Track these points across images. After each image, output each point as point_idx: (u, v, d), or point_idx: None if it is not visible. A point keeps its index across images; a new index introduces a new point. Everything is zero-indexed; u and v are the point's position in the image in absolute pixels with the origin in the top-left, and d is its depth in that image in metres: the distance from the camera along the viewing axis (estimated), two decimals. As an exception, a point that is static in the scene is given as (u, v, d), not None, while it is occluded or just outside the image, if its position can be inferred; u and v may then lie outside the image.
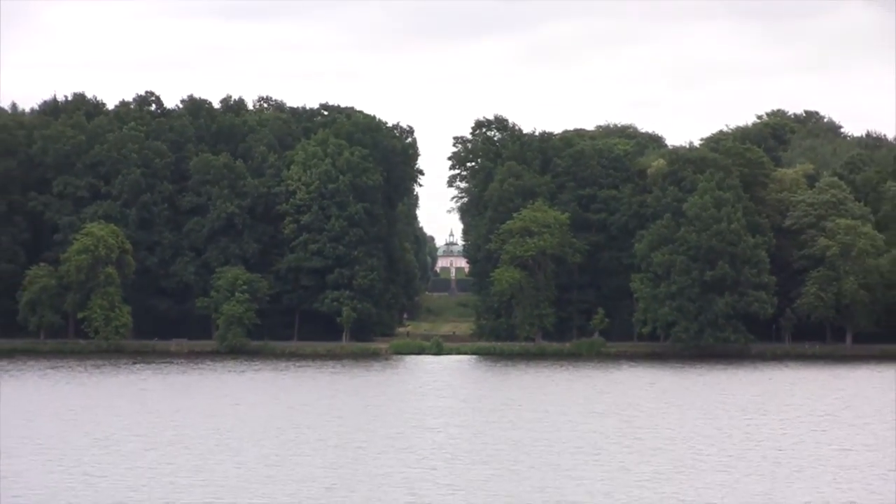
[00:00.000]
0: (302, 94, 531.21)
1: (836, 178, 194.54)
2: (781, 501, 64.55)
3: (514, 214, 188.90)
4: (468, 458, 78.78)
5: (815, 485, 69.50)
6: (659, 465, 75.52)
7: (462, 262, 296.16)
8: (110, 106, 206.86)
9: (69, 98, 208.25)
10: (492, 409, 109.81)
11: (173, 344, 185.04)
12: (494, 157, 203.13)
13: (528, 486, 68.09)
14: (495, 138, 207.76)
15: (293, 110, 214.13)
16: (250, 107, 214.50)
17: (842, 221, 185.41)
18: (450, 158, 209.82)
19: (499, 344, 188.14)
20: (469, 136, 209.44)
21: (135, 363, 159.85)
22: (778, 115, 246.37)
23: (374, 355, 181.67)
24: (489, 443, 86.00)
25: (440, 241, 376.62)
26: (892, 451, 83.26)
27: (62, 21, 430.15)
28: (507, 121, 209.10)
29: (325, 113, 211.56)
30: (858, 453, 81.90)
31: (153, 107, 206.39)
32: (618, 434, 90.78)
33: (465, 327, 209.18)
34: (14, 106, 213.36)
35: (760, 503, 64.07)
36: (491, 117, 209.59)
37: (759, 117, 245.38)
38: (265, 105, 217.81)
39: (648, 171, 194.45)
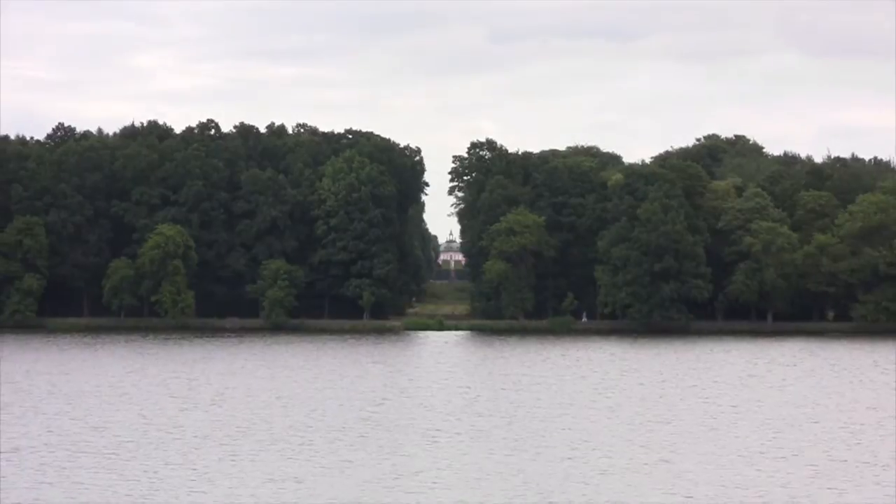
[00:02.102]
0: (331, 121, 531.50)
1: (759, 189, 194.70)
2: (722, 445, 65.40)
3: (501, 218, 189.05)
4: (470, 412, 79.52)
5: (747, 432, 70.36)
6: (622, 419, 76.33)
7: (459, 256, 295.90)
8: (177, 130, 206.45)
9: (144, 124, 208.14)
10: (486, 373, 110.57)
11: (228, 322, 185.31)
12: (485, 172, 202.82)
13: (521, 433, 68.84)
14: (486, 157, 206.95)
15: (324, 134, 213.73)
16: (290, 131, 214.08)
17: (764, 224, 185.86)
18: (450, 173, 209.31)
19: (489, 322, 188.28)
20: (465, 155, 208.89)
21: (196, 337, 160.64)
22: (713, 138, 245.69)
23: (390, 331, 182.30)
24: (486, 400, 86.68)
25: (442, 239, 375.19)
26: (808, 404, 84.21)
27: (140, 63, 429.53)
28: (495, 143, 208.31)
29: (350, 136, 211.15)
30: (781, 407, 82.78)
31: (212, 132, 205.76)
32: (589, 393, 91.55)
33: (462, 308, 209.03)
34: (100, 130, 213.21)
35: (709, 448, 64.76)
36: (483, 140, 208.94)
37: (698, 140, 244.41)
38: (302, 130, 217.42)
39: (609, 183, 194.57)
